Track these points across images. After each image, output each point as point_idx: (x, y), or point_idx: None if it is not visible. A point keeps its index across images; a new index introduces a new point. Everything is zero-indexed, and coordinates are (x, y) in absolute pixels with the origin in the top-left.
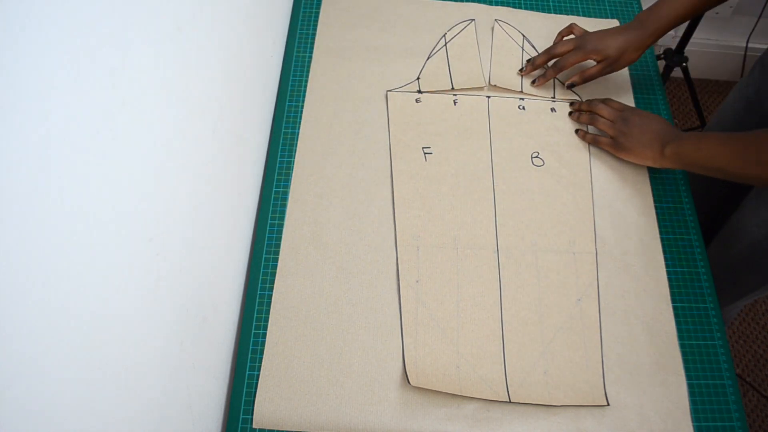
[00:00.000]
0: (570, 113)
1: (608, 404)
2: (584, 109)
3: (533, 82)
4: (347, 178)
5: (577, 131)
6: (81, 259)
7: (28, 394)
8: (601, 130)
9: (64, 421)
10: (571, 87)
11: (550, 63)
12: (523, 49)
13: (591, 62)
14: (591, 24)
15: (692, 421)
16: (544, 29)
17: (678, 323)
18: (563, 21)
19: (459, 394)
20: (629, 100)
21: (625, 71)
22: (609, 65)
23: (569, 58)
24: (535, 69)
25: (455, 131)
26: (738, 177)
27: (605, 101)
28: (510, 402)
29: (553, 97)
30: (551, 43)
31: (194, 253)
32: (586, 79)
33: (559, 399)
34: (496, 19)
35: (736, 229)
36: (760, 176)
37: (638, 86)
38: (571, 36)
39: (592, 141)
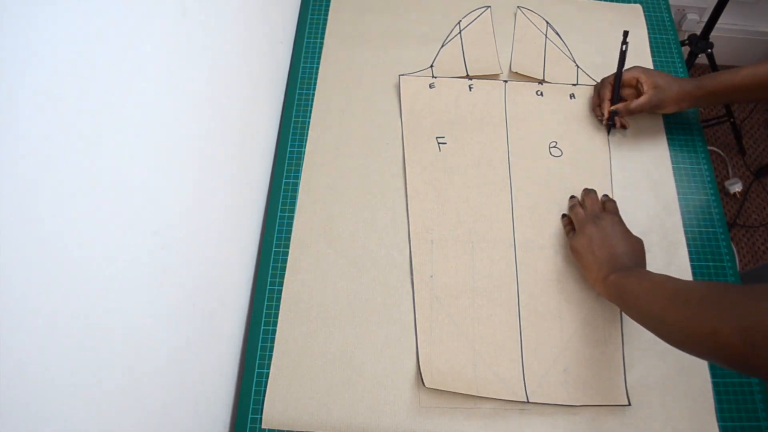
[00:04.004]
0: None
1: (629, 404)
2: (581, 198)
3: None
4: (360, 168)
5: (563, 216)
6: (83, 253)
7: (29, 392)
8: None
9: (66, 420)
10: (614, 114)
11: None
12: (546, 37)
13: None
14: (614, 9)
15: (717, 421)
16: (565, 14)
17: None
18: (586, 6)
19: (475, 394)
20: None
21: (648, 58)
22: (654, 103)
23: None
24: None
25: (470, 120)
26: (680, 346)
27: (601, 198)
28: (528, 402)
29: (575, 83)
30: (575, 30)
31: (201, 246)
32: (630, 111)
33: (579, 399)
34: (518, 6)
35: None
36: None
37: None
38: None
39: (565, 223)
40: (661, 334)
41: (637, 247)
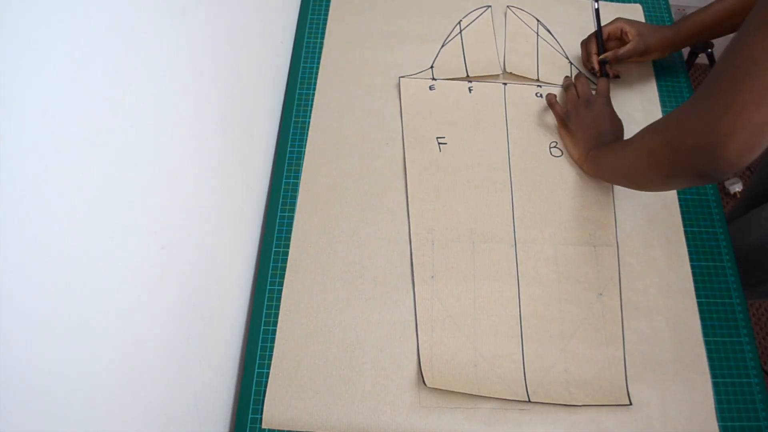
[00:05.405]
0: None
1: (631, 404)
2: (573, 81)
3: (607, 75)
4: (360, 168)
5: (548, 94)
6: (83, 252)
7: (29, 393)
8: (566, 102)
9: (65, 421)
10: (604, 63)
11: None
12: (538, 35)
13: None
14: (615, 9)
15: (717, 421)
16: (564, 14)
17: (702, 319)
18: (584, 5)
19: (477, 394)
20: (652, 87)
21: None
22: (640, 50)
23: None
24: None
25: (470, 120)
26: (640, 183)
27: (591, 82)
28: (529, 401)
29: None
30: (571, 29)
31: (201, 246)
32: (618, 58)
33: (580, 398)
34: (508, 6)
35: (749, 221)
36: (647, 176)
37: (662, 73)
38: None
39: (551, 101)
40: (632, 186)
41: (618, 126)
